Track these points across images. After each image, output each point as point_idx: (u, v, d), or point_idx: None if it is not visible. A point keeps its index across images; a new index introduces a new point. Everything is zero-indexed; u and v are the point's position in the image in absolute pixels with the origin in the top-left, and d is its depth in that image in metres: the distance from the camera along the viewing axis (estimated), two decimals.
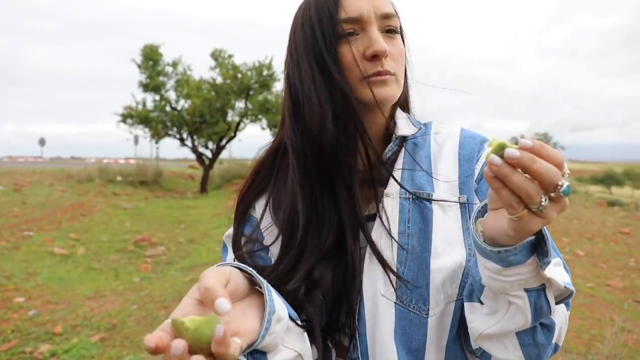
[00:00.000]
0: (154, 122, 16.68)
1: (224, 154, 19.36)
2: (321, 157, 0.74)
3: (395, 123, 0.83)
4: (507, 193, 0.50)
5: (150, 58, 16.44)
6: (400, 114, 0.85)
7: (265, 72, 16.64)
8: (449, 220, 0.74)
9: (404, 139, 0.83)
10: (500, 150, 0.50)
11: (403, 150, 0.82)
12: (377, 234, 0.75)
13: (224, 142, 17.54)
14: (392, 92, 0.75)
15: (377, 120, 0.79)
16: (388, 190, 0.78)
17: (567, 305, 0.71)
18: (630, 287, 5.49)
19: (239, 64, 16.84)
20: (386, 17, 0.75)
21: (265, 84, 16.71)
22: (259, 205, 0.83)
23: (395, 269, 0.72)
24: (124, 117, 16.71)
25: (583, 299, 4.84)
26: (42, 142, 36.94)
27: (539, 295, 0.59)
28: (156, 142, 18.70)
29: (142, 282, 5.22)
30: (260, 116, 17.28)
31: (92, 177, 14.87)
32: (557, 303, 0.63)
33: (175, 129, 17.13)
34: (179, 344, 0.44)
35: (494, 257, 0.57)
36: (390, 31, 0.76)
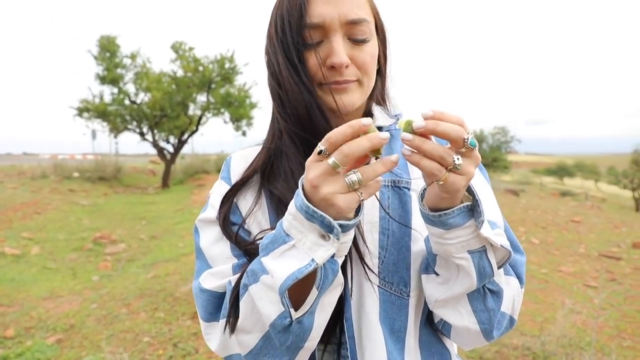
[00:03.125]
0: (112, 116, 16.11)
1: (186, 149, 19.01)
2: (316, 137, 0.73)
3: (372, 115, 0.86)
4: (426, 162, 0.58)
5: (107, 49, 15.84)
6: (376, 107, 0.88)
7: (227, 65, 16.35)
8: None
9: (379, 129, 0.85)
10: (409, 127, 0.58)
11: None
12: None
13: (185, 136, 17.16)
14: (349, 100, 0.76)
15: (354, 113, 0.82)
16: None
17: (520, 281, 0.78)
18: (580, 272, 5.79)
19: (200, 57, 16.48)
20: (353, 23, 0.74)
21: (227, 77, 16.43)
22: (244, 199, 0.83)
23: (377, 253, 0.76)
24: (81, 111, 16.04)
25: (537, 284, 5.06)
26: None
27: (481, 256, 0.66)
28: (115, 137, 18.05)
29: (102, 281, 5.06)
30: (222, 110, 16.99)
31: (47, 174, 14.24)
32: (500, 266, 0.70)
33: (134, 123, 16.62)
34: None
35: (436, 222, 0.65)
36: (358, 40, 0.75)
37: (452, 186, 0.59)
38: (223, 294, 0.75)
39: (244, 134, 17.32)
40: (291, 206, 0.62)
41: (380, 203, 0.78)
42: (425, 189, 0.68)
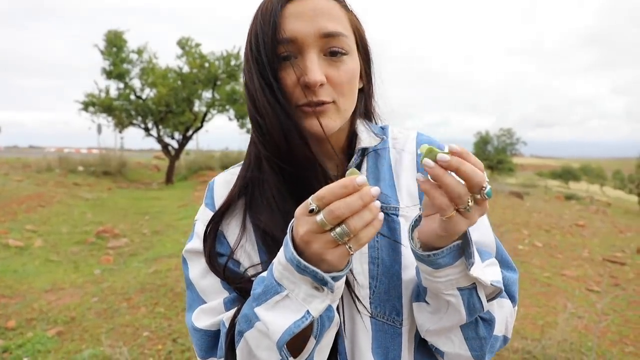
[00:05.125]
0: (118, 111, 16.20)
1: (190, 145, 19.06)
2: (295, 167, 0.72)
3: (356, 134, 0.82)
4: (439, 194, 0.57)
5: (114, 44, 15.91)
6: (360, 125, 0.84)
7: (233, 62, 16.39)
8: None
9: (364, 151, 0.83)
10: (430, 154, 0.57)
11: (365, 162, 0.82)
12: None
13: (190, 132, 17.22)
14: (325, 124, 0.72)
15: (337, 133, 0.78)
16: None
17: (512, 300, 0.77)
18: (583, 276, 5.75)
19: (207, 53, 16.55)
20: (329, 36, 0.70)
21: (233, 74, 16.46)
22: (229, 227, 0.80)
23: (367, 284, 0.74)
24: (86, 105, 16.14)
25: (540, 287, 5.03)
26: None
27: (471, 293, 0.66)
28: (120, 132, 18.15)
29: (104, 275, 5.08)
30: (227, 107, 17.05)
31: (52, 167, 14.33)
32: (490, 300, 0.69)
33: (140, 118, 16.69)
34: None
35: (426, 260, 0.64)
36: (335, 53, 0.71)
37: (454, 227, 0.58)
38: (217, 332, 0.74)
39: (248, 131, 17.36)
40: (281, 256, 0.60)
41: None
42: (417, 219, 0.67)
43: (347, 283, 0.73)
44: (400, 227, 0.77)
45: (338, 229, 0.55)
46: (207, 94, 16.90)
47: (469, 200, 0.57)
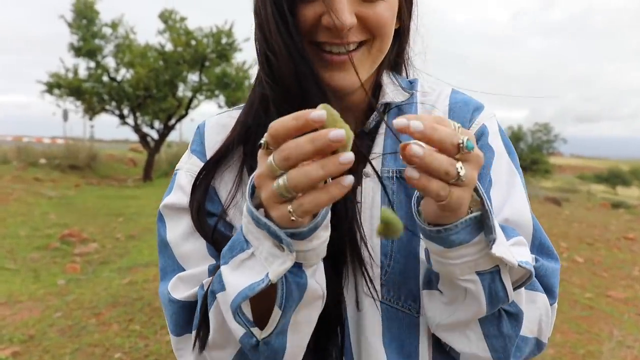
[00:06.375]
0: (88, 94, 16.21)
1: (172, 136, 19.08)
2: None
3: (380, 86, 0.82)
4: (434, 185, 0.53)
5: (84, 16, 15.92)
6: (386, 76, 0.84)
7: (224, 40, 16.39)
8: None
9: (387, 106, 0.82)
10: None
11: (386, 117, 0.82)
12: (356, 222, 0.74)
13: (173, 121, 17.23)
14: (347, 79, 0.71)
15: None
16: (367, 169, 0.77)
17: (551, 295, 0.74)
18: (633, 298, 5.73)
19: (193, 29, 16.54)
20: None
21: (224, 54, 16.47)
22: (223, 182, 0.80)
23: (379, 263, 0.73)
24: (50, 87, 16.17)
25: (580, 311, 5.02)
26: None
27: (493, 278, 0.62)
28: (90, 119, 18.20)
29: (69, 285, 5.09)
30: (217, 92, 17.06)
31: (8, 159, 14.36)
32: (517, 287, 0.66)
33: (114, 103, 16.71)
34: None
35: (436, 238, 0.60)
36: None
37: (457, 202, 0.56)
38: (196, 303, 0.73)
39: None
40: (245, 205, 0.59)
41: (387, 195, 0.75)
42: (420, 196, 0.64)
43: (357, 257, 0.72)
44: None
45: (280, 181, 0.52)
46: (193, 77, 16.92)
47: (458, 167, 0.53)
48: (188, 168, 0.81)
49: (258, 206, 0.59)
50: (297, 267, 0.58)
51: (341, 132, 0.50)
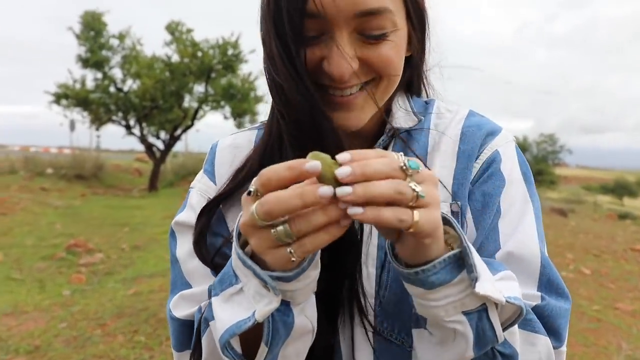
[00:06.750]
0: (95, 105, 16.33)
1: (178, 146, 19.14)
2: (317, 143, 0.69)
3: (391, 112, 0.81)
4: (388, 213, 0.49)
5: (92, 27, 16.08)
6: (399, 100, 0.82)
7: (230, 52, 16.50)
8: None
9: (397, 130, 0.81)
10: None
11: (392, 142, 0.80)
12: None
13: (178, 131, 17.31)
14: (354, 117, 0.71)
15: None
16: None
17: (557, 338, 0.70)
18: None
19: (200, 41, 16.67)
20: (367, 15, 0.65)
21: (230, 65, 16.58)
22: (234, 207, 0.80)
23: (373, 292, 0.72)
24: (58, 98, 16.30)
25: (588, 323, 4.97)
26: None
27: (480, 317, 0.58)
28: (97, 129, 18.30)
29: (74, 296, 5.09)
30: (222, 103, 17.13)
31: (16, 169, 14.45)
32: (509, 326, 0.62)
33: (120, 114, 16.82)
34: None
35: (415, 280, 0.57)
36: (372, 35, 0.67)
37: (428, 224, 0.51)
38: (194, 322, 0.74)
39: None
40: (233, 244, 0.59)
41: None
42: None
43: (350, 288, 0.71)
44: None
45: (280, 228, 0.50)
46: (199, 88, 17.02)
47: (412, 185, 0.50)
48: (199, 187, 0.83)
49: (245, 245, 0.59)
50: (285, 305, 0.58)
51: (329, 189, 0.48)
